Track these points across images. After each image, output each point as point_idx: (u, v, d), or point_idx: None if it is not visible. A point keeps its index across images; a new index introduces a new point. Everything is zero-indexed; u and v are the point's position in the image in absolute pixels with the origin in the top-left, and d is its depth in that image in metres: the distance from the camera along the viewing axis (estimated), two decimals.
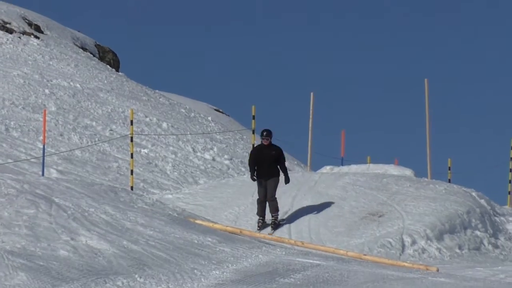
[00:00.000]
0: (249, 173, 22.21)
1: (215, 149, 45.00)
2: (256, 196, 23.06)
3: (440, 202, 23.88)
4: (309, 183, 26.26)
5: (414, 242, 22.22)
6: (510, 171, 33.65)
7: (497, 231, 24.50)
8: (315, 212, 20.82)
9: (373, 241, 21.92)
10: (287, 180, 21.85)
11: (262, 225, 21.52)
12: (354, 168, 30.45)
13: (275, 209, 21.81)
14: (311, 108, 31.64)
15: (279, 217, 22.11)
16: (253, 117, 31.70)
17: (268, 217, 22.05)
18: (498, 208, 26.64)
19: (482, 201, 24.83)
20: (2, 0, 60.14)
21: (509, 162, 34.20)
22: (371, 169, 29.89)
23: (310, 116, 31.74)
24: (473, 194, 25.24)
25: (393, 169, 29.63)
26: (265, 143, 21.75)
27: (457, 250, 22.81)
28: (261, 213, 21.83)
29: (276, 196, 22.02)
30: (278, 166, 21.88)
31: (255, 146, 22.68)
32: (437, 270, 16.40)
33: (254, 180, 21.88)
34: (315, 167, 32.12)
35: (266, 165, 21.68)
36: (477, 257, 22.79)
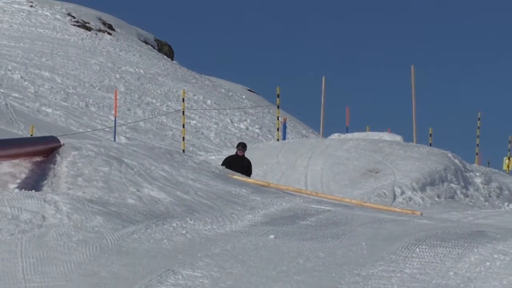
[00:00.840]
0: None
1: (248, 120, 45.05)
2: (281, 157, 23.02)
3: (423, 161, 23.85)
4: (321, 147, 26.06)
5: (403, 192, 22.21)
6: (477, 137, 33.52)
7: (467, 184, 24.22)
8: (326, 169, 20.49)
9: (371, 191, 21.91)
10: None
11: None
12: (356, 135, 30.33)
13: None
14: (323, 89, 31.38)
15: None
16: (278, 96, 31.61)
17: None
18: (468, 166, 26.41)
19: (456, 161, 24.68)
20: (83, 5, 60.37)
21: (476, 129, 34.09)
22: (369, 136, 29.80)
23: (322, 95, 31.48)
24: (449, 155, 25.07)
25: (386, 136, 29.50)
26: (239, 154, 19.96)
27: (436, 199, 22.75)
28: None
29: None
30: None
31: (229, 156, 20.67)
32: (421, 214, 16.12)
33: None
34: (326, 134, 31.94)
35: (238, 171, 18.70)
36: (451, 204, 22.72)
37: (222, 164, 18.95)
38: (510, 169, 33.98)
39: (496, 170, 32.29)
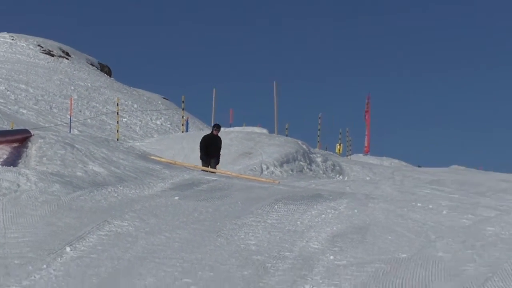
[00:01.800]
0: (200, 151, 17.36)
1: (162, 118, 43.98)
2: (184, 144, 22.45)
3: (282, 146, 23.32)
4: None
5: (267, 168, 21.84)
6: (319, 130, 33.68)
7: (311, 162, 23.94)
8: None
9: (246, 167, 21.23)
10: (218, 161, 17.32)
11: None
12: (237, 128, 29.95)
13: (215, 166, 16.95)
14: (274, 94, 30.22)
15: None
16: (183, 102, 30.94)
17: None
18: (312, 149, 26.40)
19: (304, 146, 24.46)
20: (48, 38, 57.98)
21: (318, 125, 34.31)
22: (245, 129, 29.41)
23: (275, 100, 30.30)
24: (299, 142, 24.91)
25: (257, 129, 29.13)
26: (215, 134, 17.44)
27: (290, 172, 22.33)
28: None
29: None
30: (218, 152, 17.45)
31: (206, 134, 18.03)
32: (279, 183, 15.41)
33: (204, 158, 17.28)
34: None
35: (213, 148, 17.21)
36: (300, 176, 22.14)
37: (201, 142, 17.14)
38: (340, 152, 34.27)
39: (331, 153, 32.29)
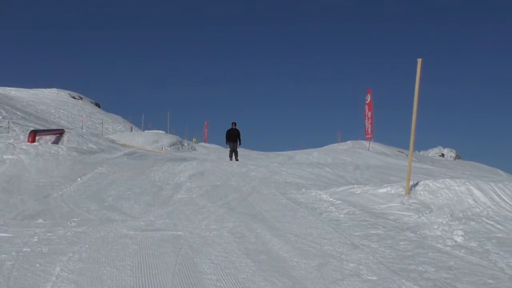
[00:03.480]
0: (225, 139, 21.57)
1: (121, 126, 56.97)
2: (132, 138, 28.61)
3: (170, 138, 30.25)
4: (140, 133, 32.42)
5: (164, 147, 28.92)
6: (187, 128, 41.21)
7: (182, 145, 31.46)
8: (144, 140, 26.09)
9: (155, 147, 27.55)
10: (239, 144, 21.70)
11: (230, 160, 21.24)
12: (152, 131, 37.25)
13: (237, 154, 21.67)
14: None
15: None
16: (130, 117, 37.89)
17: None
18: (182, 140, 33.57)
19: (179, 138, 31.65)
20: (73, 91, 72.57)
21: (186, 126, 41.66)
22: (156, 131, 37.04)
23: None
24: (177, 136, 32.19)
25: (160, 131, 37.20)
26: (233, 127, 21.54)
27: (173, 149, 29.97)
28: (230, 156, 21.61)
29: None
30: (238, 139, 21.64)
31: (229, 129, 21.72)
32: (166, 152, 22.19)
33: (228, 143, 21.62)
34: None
35: (233, 136, 21.56)
36: (177, 151, 29.83)
37: (227, 134, 21.51)
38: (195, 141, 42.01)
39: (191, 141, 41.03)
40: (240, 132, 21.70)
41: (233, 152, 21.55)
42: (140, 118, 51.66)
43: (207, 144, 41.35)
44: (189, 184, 13.21)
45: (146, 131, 36.85)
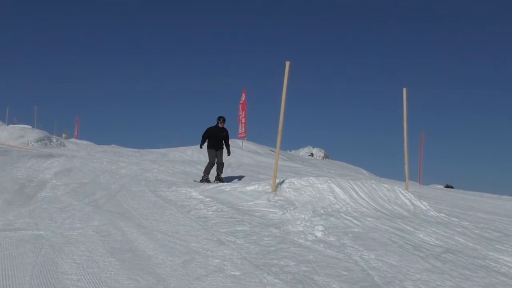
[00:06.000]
0: (201, 140, 14.74)
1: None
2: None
3: (38, 134, 29.01)
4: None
5: (32, 143, 27.96)
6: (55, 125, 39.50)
7: (51, 141, 29.98)
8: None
9: (19, 143, 26.90)
10: (229, 153, 14.84)
11: (206, 180, 14.15)
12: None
13: (222, 168, 14.64)
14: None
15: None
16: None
17: (213, 174, 15.40)
18: (51, 135, 31.73)
19: (47, 134, 30.27)
20: None
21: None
22: (24, 127, 34.50)
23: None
24: (45, 132, 30.72)
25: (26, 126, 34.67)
26: (220, 126, 14.66)
27: (41, 144, 29.04)
28: (208, 172, 14.40)
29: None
30: (223, 142, 14.76)
31: (211, 126, 14.82)
32: (32, 149, 21.13)
33: (201, 147, 14.90)
34: None
35: (219, 141, 14.67)
36: (45, 147, 29.10)
37: (205, 132, 14.67)
38: (65, 137, 40.75)
39: (60, 137, 39.97)
40: (229, 134, 15.00)
41: (217, 165, 14.62)
42: (4, 112, 48.38)
43: (78, 141, 40.09)
44: (54, 181, 12.79)
45: (11, 125, 34.70)
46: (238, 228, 7.92)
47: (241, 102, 31.97)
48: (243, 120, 31.84)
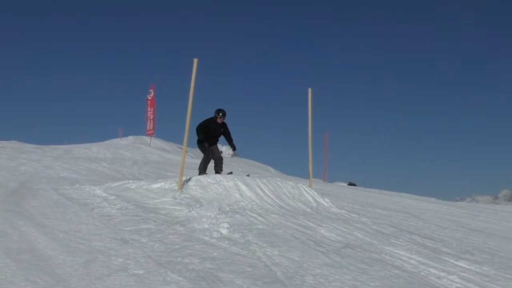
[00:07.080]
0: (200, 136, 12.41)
1: None
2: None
3: None
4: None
5: None
6: None
7: None
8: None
9: None
10: (234, 148, 12.84)
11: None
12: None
13: (222, 164, 12.59)
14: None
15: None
16: None
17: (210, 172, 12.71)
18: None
19: None
20: None
21: None
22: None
23: None
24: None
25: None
26: (219, 121, 12.41)
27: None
28: (205, 169, 12.61)
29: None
30: (224, 137, 12.51)
31: (206, 119, 12.51)
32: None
33: (201, 142, 12.56)
34: None
35: (215, 138, 12.59)
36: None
37: (200, 127, 12.39)
38: None
39: None
40: (229, 129, 12.74)
41: (215, 161, 12.70)
42: None
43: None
44: None
45: None
46: (143, 226, 7.83)
47: (149, 98, 31.59)
48: (152, 117, 31.49)
